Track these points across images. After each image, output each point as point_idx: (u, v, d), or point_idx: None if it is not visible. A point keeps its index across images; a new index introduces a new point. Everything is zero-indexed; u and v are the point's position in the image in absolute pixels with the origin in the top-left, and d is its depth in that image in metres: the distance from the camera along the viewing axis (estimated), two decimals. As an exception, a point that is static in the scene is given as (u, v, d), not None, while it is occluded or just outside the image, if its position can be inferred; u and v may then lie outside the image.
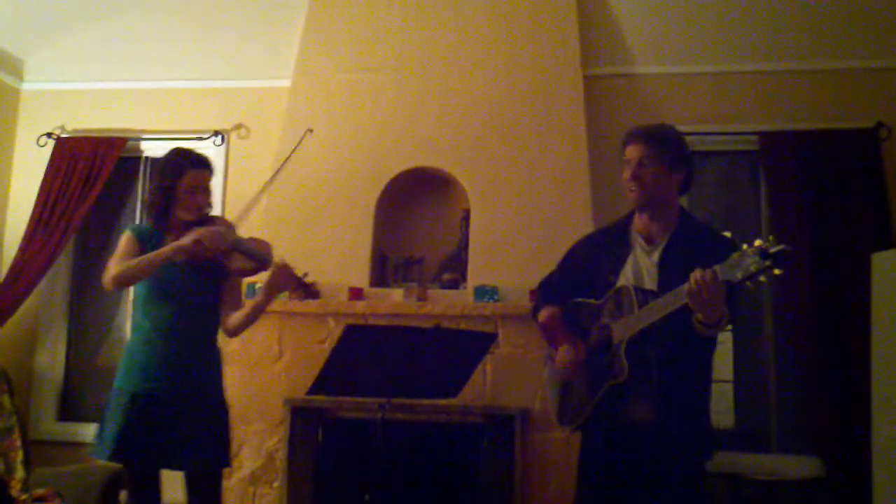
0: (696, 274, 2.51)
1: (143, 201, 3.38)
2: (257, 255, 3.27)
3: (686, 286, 2.53)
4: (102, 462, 3.20)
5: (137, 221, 5.97)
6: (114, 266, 3.17)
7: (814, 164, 5.17)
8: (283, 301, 4.85)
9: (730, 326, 5.00)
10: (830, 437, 4.87)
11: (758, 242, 2.39)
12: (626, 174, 2.93)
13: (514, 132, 5.30)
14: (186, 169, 3.26)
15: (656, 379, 2.77)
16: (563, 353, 3.00)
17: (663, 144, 2.92)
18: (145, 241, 3.25)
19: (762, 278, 2.41)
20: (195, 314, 3.27)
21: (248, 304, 3.35)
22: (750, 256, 2.40)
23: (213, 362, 3.32)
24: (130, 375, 3.18)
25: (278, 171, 3.69)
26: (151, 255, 3.16)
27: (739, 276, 2.43)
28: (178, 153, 3.37)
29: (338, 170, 5.35)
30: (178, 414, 3.13)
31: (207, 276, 3.29)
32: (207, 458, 3.18)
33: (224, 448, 3.26)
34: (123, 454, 3.09)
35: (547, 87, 5.36)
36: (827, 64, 5.41)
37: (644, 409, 2.80)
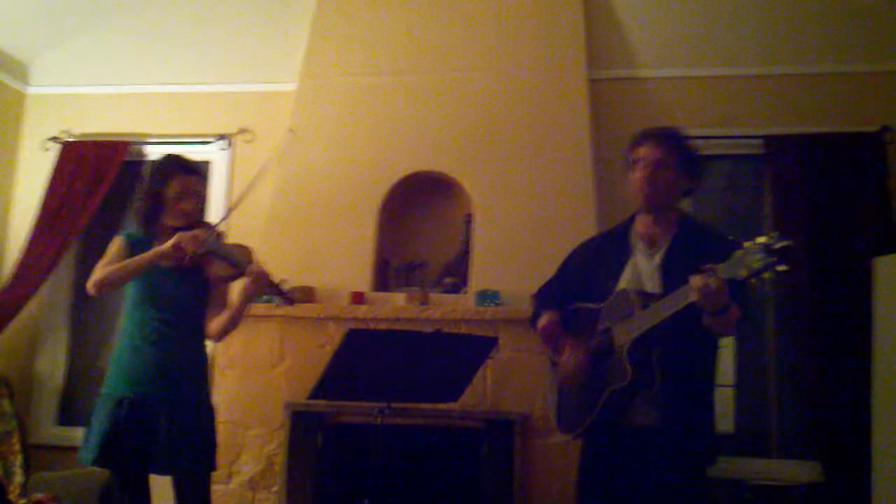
0: (701, 275, 2.49)
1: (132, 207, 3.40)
2: (234, 261, 3.27)
3: (691, 285, 2.51)
4: (87, 466, 3.22)
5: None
6: (98, 270, 3.20)
7: (818, 167, 5.15)
8: (283, 306, 4.85)
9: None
10: (831, 441, 4.84)
11: (761, 239, 2.36)
12: (638, 174, 2.91)
13: (519, 136, 5.29)
14: (174, 175, 3.28)
15: (659, 383, 2.74)
16: (566, 357, 2.98)
17: (678, 148, 2.92)
18: (135, 248, 3.27)
19: (766, 275, 2.37)
20: (181, 319, 3.28)
21: (226, 313, 3.35)
22: (754, 253, 2.37)
23: (199, 367, 3.34)
24: (117, 381, 3.21)
25: (252, 182, 3.66)
26: (133, 259, 3.18)
27: (744, 273, 2.39)
28: (166, 159, 3.39)
29: (341, 173, 5.34)
30: (163, 418, 3.13)
31: (194, 282, 3.29)
32: (192, 461, 3.17)
33: (210, 451, 3.27)
34: (107, 458, 3.11)
35: (552, 91, 5.35)
36: (832, 67, 5.39)
37: (647, 414, 2.79)
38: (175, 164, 3.33)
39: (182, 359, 3.25)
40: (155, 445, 3.11)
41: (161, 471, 3.16)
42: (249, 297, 3.27)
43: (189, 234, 3.18)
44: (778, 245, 2.33)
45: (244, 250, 3.35)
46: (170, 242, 3.15)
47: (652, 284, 2.85)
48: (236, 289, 3.34)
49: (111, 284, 3.20)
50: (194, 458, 3.17)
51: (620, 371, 2.74)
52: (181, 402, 3.19)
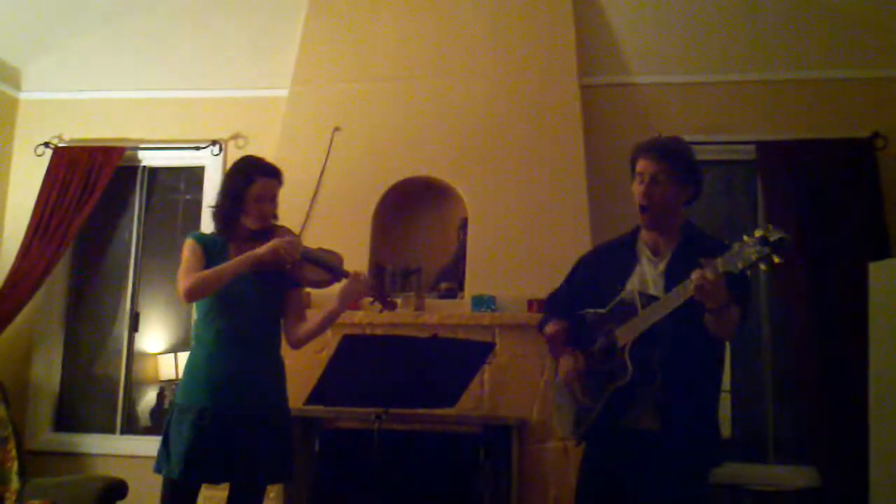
0: (699, 271, 2.52)
1: (214, 206, 3.33)
2: (331, 266, 3.26)
3: (690, 281, 2.54)
4: (175, 479, 3.10)
5: (135, 231, 6.01)
6: (185, 278, 3.12)
7: (810, 173, 5.18)
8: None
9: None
10: (828, 447, 4.87)
11: (758, 232, 2.42)
12: (638, 187, 2.93)
13: (512, 141, 5.31)
14: (256, 177, 3.23)
15: (660, 385, 2.75)
16: (563, 363, 3.00)
17: (677, 160, 2.92)
18: (210, 249, 3.22)
19: (763, 267, 2.42)
20: (259, 325, 3.24)
21: (319, 314, 3.32)
22: (750, 245, 2.42)
23: (277, 373, 3.30)
24: (195, 390, 3.15)
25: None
26: (228, 265, 3.12)
27: (740, 265, 2.45)
28: (248, 161, 3.35)
29: (335, 179, 5.34)
30: (245, 427, 3.09)
31: (272, 287, 3.26)
32: (274, 470, 3.16)
33: (288, 459, 3.24)
34: (194, 471, 3.05)
35: (544, 97, 5.36)
36: (823, 74, 5.42)
37: (648, 417, 2.79)
38: (258, 167, 3.29)
39: (260, 365, 3.20)
40: (237, 455, 3.07)
41: (242, 480, 3.12)
42: (349, 299, 3.25)
43: (286, 240, 3.16)
44: (774, 237, 2.39)
45: (335, 255, 3.33)
46: (266, 248, 3.13)
47: (656, 292, 2.86)
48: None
49: (205, 290, 3.12)
50: (274, 466, 3.15)
51: (621, 369, 2.75)
52: (261, 411, 3.15)
